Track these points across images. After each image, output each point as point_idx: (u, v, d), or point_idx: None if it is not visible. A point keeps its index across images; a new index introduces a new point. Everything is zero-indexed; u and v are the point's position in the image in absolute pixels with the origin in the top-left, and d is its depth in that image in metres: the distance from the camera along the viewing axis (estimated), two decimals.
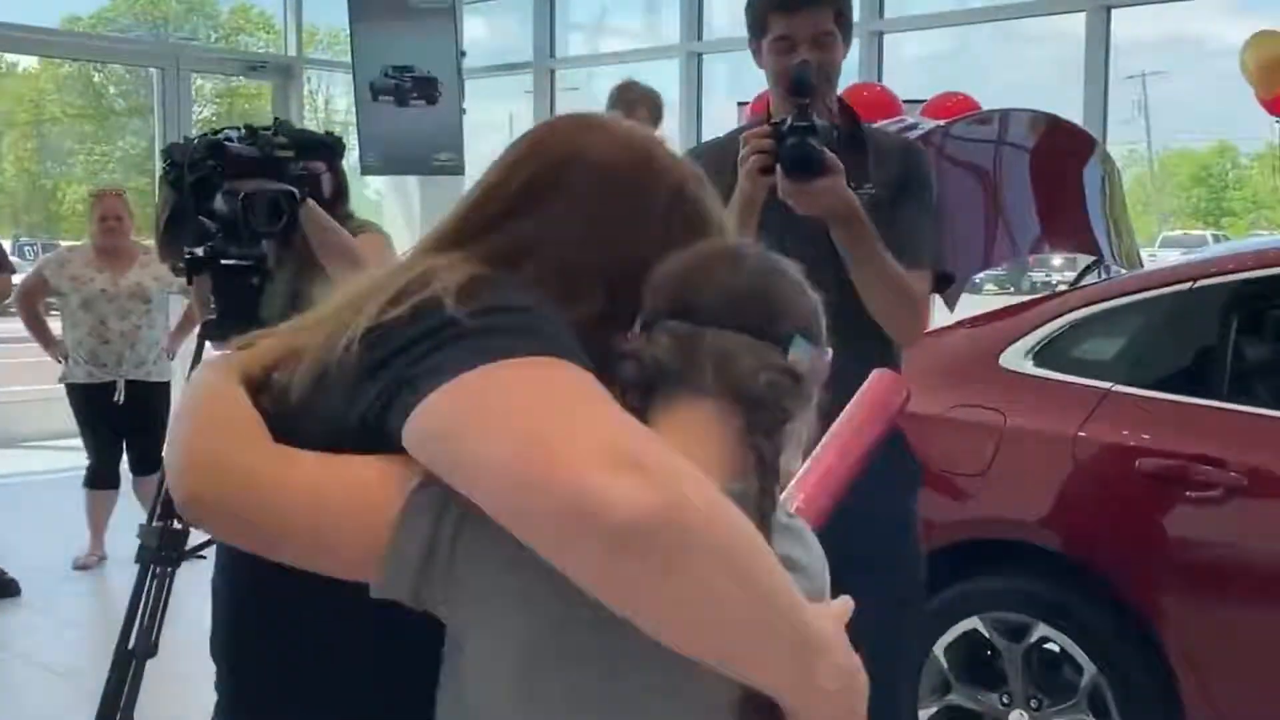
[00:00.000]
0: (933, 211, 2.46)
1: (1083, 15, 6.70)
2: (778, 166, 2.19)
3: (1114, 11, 6.68)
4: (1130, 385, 3.02)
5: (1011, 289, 20.44)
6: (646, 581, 0.88)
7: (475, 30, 10.19)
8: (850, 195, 2.22)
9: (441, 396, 0.94)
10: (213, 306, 2.91)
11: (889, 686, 2.54)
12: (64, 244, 7.45)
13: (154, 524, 2.80)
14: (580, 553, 0.88)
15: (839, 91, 2.51)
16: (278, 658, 1.12)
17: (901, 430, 2.50)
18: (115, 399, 5.53)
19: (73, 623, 5.09)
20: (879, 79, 7.07)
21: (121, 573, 5.15)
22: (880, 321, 2.33)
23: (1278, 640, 2.75)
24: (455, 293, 1.03)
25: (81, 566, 5.68)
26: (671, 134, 7.61)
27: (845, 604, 1.09)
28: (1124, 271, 4.17)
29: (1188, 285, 3.08)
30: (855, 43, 2.50)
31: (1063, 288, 4.89)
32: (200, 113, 20.18)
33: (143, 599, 2.75)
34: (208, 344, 2.98)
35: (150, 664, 2.74)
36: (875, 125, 2.91)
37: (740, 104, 6.75)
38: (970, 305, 3.83)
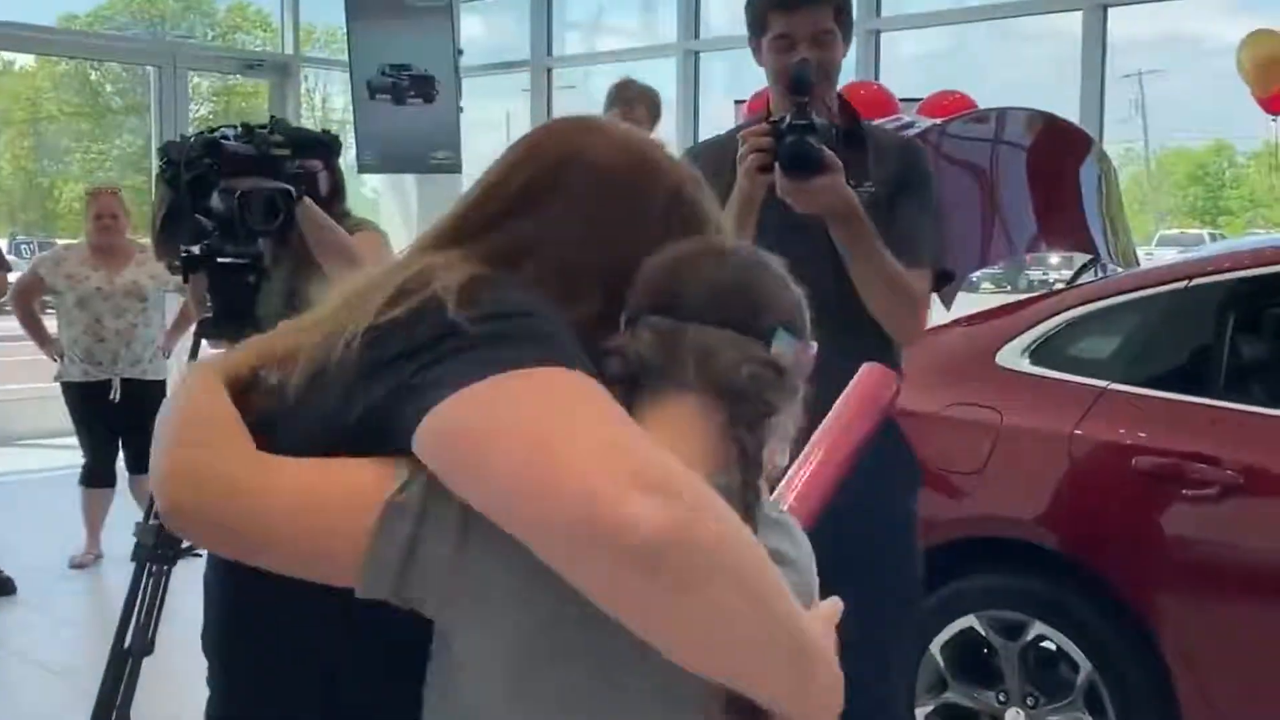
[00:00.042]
0: (933, 209, 2.45)
1: (1079, 14, 6.71)
2: (776, 165, 2.19)
3: (1110, 10, 6.68)
4: (1126, 383, 3.02)
5: (1008, 287, 20.46)
6: (660, 600, 0.88)
7: (472, 28, 10.19)
8: (849, 193, 2.22)
9: (451, 408, 0.94)
10: (209, 305, 2.90)
11: (887, 685, 2.55)
12: (61, 242, 7.43)
13: (150, 522, 2.80)
14: (595, 570, 0.89)
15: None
16: (268, 654, 1.12)
17: (901, 429, 2.50)
18: (111, 397, 5.52)
19: (69, 621, 5.09)
20: (876, 77, 7.07)
21: (118, 571, 5.15)
22: (880, 320, 2.33)
23: (1273, 637, 2.75)
24: (456, 293, 1.03)
25: (78, 565, 5.67)
26: (669, 133, 7.62)
27: (835, 605, 1.10)
28: (1120, 270, 4.17)
29: (1184, 284, 3.08)
30: (852, 41, 2.50)
31: (1059, 286, 4.89)
32: (197, 111, 20.16)
33: (139, 597, 2.75)
34: (204, 342, 2.98)
35: (146, 662, 2.74)
36: (874, 123, 2.91)
37: (738, 102, 6.74)
38: (967, 304, 3.84)
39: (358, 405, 1.02)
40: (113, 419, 5.55)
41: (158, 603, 2.75)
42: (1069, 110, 6.49)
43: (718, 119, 8.29)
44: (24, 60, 27.13)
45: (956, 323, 3.48)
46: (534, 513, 0.89)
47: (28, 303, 5.68)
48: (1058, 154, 4.55)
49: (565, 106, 9.77)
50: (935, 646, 3.11)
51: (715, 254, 1.13)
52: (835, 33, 2.37)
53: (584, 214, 1.15)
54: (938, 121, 4.53)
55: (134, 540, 2.79)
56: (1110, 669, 2.89)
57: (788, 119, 2.20)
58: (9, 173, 28.59)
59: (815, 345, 1.15)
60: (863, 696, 2.54)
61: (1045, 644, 3.04)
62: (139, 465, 5.54)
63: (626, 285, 1.13)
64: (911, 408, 2.58)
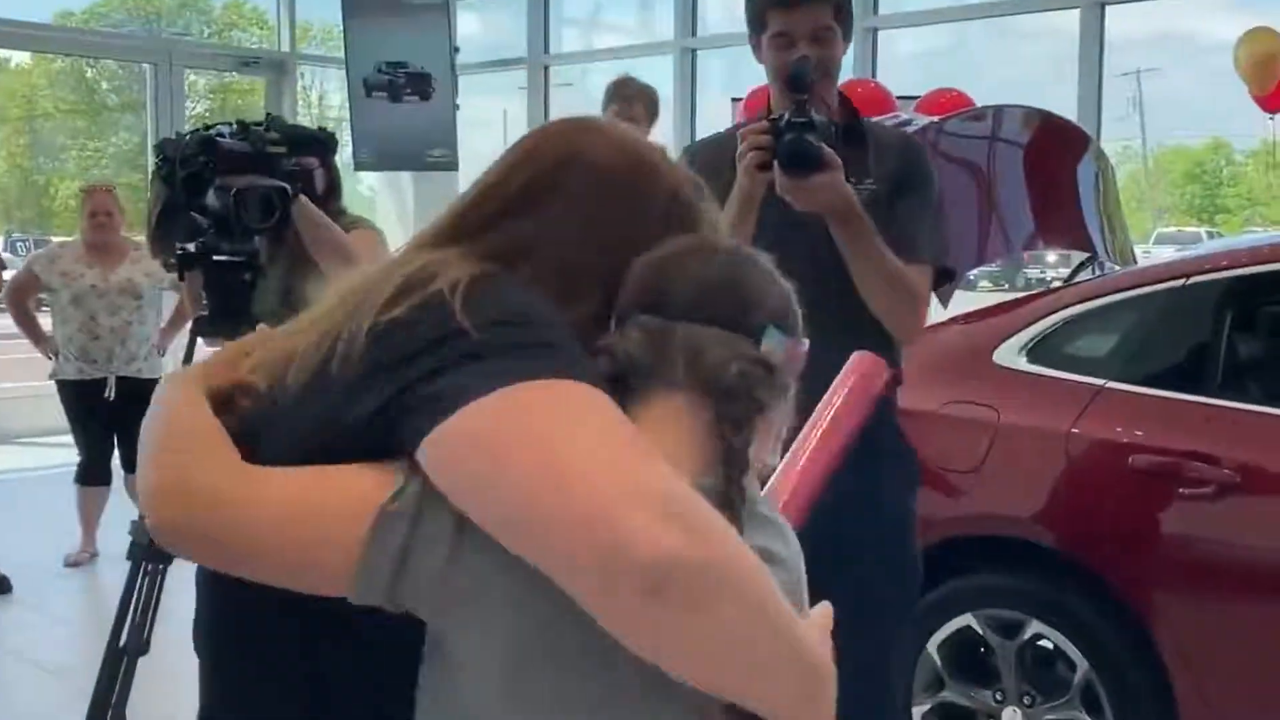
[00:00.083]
0: (933, 207, 2.45)
1: (1077, 12, 6.71)
2: (775, 162, 2.18)
3: (1108, 8, 6.68)
4: (1124, 382, 3.02)
5: (1006, 285, 20.46)
6: (669, 625, 0.89)
7: (469, 26, 10.19)
8: (848, 191, 2.21)
9: (460, 422, 0.94)
10: (204, 303, 2.89)
11: (885, 684, 2.55)
12: (56, 240, 7.42)
13: (145, 520, 2.79)
14: (605, 593, 0.89)
15: None
16: (258, 652, 1.11)
17: (901, 428, 2.50)
18: (106, 395, 5.51)
19: (64, 620, 5.08)
20: (873, 75, 7.07)
21: (113, 569, 5.14)
22: (880, 318, 2.32)
23: (1270, 636, 2.75)
24: (462, 295, 1.02)
25: (73, 563, 5.67)
26: (666, 130, 7.61)
27: (827, 611, 1.11)
28: (1118, 268, 4.17)
29: (1181, 282, 3.08)
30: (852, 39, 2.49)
31: (1057, 284, 4.89)
32: (193, 108, 20.13)
33: (134, 596, 2.74)
34: (199, 340, 2.97)
35: (142, 661, 2.73)
36: (875, 120, 2.90)
37: (734, 100, 6.74)
38: (964, 302, 3.83)
39: (360, 406, 1.01)
40: (108, 417, 5.54)
41: (153, 601, 2.74)
42: (1067, 108, 6.49)
43: (715, 117, 8.30)
44: (20, 57, 27.09)
45: (954, 321, 3.47)
46: (545, 539, 0.90)
47: (22, 300, 5.67)
48: (1055, 152, 4.55)
49: (562, 104, 9.76)
50: (932, 645, 3.10)
51: (704, 252, 1.13)
52: (835, 30, 2.36)
53: (583, 214, 1.15)
54: (935, 119, 4.53)
55: (129, 538, 2.78)
56: (1107, 668, 2.89)
57: (787, 116, 2.19)
58: (4, 170, 28.55)
59: (806, 342, 1.14)
60: (862, 695, 2.55)
61: (1042, 643, 3.03)
62: (134, 464, 5.52)
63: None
64: (909, 406, 2.58)
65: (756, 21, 2.41)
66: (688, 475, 0.98)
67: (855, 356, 1.61)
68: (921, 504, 2.55)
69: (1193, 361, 3.02)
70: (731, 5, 8.89)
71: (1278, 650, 2.74)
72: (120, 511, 4.69)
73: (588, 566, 0.88)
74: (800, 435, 1.41)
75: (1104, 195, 4.56)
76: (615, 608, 0.89)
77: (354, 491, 1.00)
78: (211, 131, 2.86)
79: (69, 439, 5.80)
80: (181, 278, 3.00)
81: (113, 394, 5.51)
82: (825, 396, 1.49)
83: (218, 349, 1.25)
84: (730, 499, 1.01)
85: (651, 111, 4.98)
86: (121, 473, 5.64)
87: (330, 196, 3.23)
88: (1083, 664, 2.92)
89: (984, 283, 19.59)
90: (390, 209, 9.66)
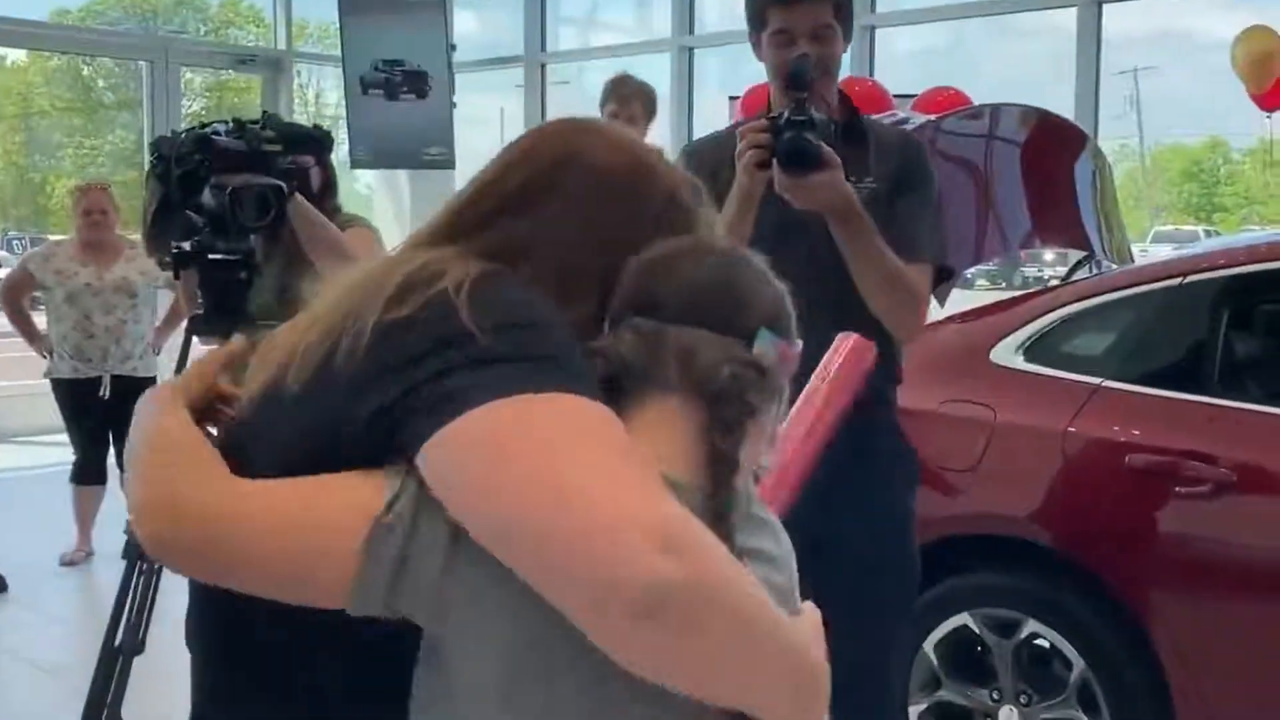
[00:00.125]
0: (933, 205, 2.44)
1: (1074, 10, 6.71)
2: (774, 161, 2.18)
3: (1105, 6, 6.68)
4: (1120, 381, 3.02)
5: (1003, 284, 20.48)
6: (661, 644, 0.89)
7: (465, 24, 10.18)
8: (848, 190, 2.21)
9: (461, 429, 0.94)
10: (200, 301, 2.89)
11: (885, 684, 2.55)
12: (52, 238, 7.41)
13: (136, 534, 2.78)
14: (595, 612, 0.89)
15: None
16: (248, 650, 1.11)
17: (901, 427, 2.50)
18: (101, 394, 5.50)
19: (60, 619, 5.07)
20: (871, 74, 7.06)
21: (109, 569, 5.13)
22: (879, 317, 2.32)
23: (1267, 635, 2.75)
24: (467, 295, 1.02)
25: (69, 562, 5.65)
26: (663, 129, 7.61)
27: (815, 613, 1.12)
28: (1115, 266, 4.17)
29: (1178, 281, 3.07)
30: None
31: (1054, 282, 4.89)
32: (190, 106, 20.13)
33: (130, 595, 2.73)
34: (195, 339, 2.96)
35: (137, 661, 2.73)
36: (875, 118, 2.90)
37: (732, 98, 6.74)
38: (962, 300, 3.83)
39: (364, 406, 1.00)
40: (103, 416, 5.53)
41: (149, 601, 2.73)
42: (1064, 106, 6.49)
43: (712, 115, 8.30)
44: (15, 55, 27.06)
45: (951, 320, 3.47)
46: (539, 552, 0.90)
47: (16, 299, 5.66)
48: (1052, 150, 4.55)
49: (559, 102, 9.75)
50: (929, 644, 3.10)
51: (697, 253, 1.13)
52: (835, 28, 2.36)
53: (581, 215, 1.15)
54: (932, 118, 4.52)
55: (125, 538, 2.78)
56: (1104, 667, 2.89)
57: (786, 114, 2.19)
58: (0, 168, 28.52)
59: (800, 345, 1.14)
60: (862, 695, 2.55)
61: (1039, 642, 3.03)
62: None
63: None
64: (906, 405, 2.58)
65: (756, 19, 2.41)
66: (680, 477, 0.99)
67: (841, 336, 1.60)
68: (918, 503, 2.55)
69: (1190, 360, 3.02)
70: (729, 3, 8.89)
71: (1274, 649, 2.74)
72: (116, 511, 4.67)
73: (580, 584, 0.89)
74: (791, 413, 1.41)
75: (1101, 194, 4.56)
76: (605, 626, 0.90)
77: (346, 503, 1.00)
78: (207, 130, 2.85)
79: (65, 438, 5.79)
80: (177, 276, 2.99)
81: (108, 392, 5.50)
82: (814, 374, 1.49)
83: (197, 359, 1.25)
84: (719, 501, 1.01)
85: (649, 110, 4.97)
86: (117, 471, 5.63)
87: (326, 195, 3.23)
88: (1079, 663, 2.92)
89: (981, 281, 19.61)
90: (387, 207, 9.66)
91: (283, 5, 9.86)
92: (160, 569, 2.74)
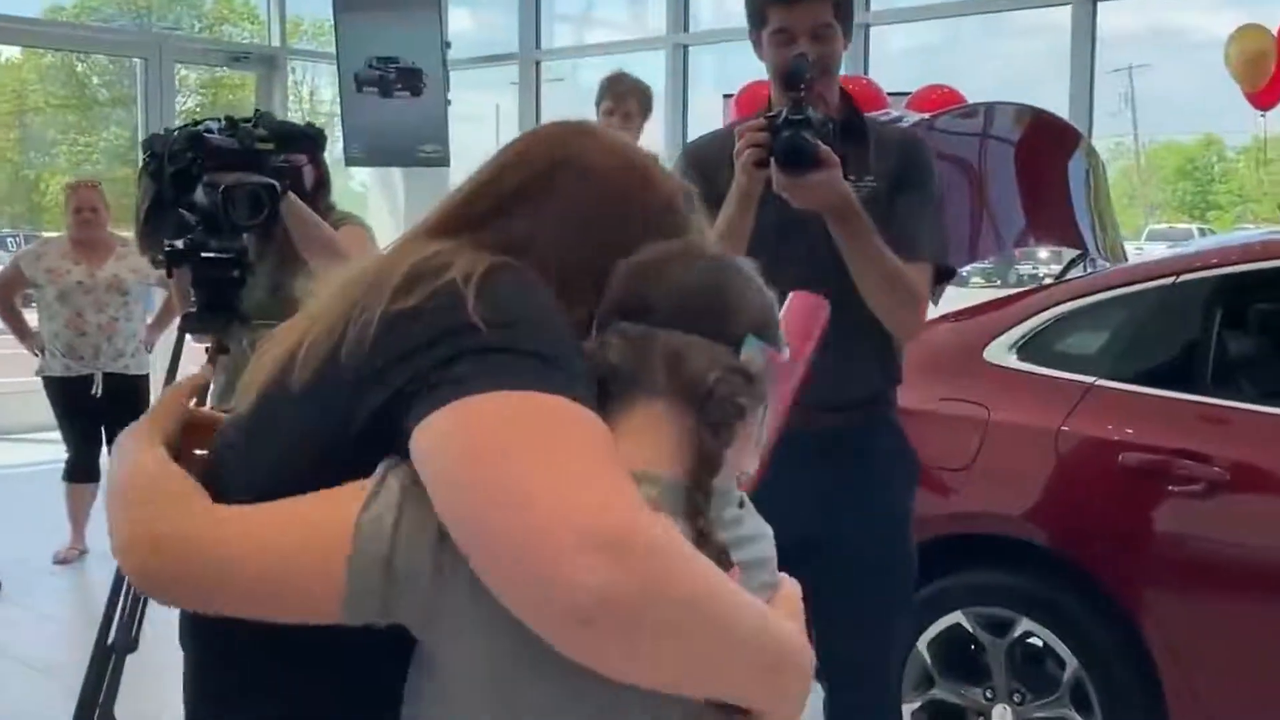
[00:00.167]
0: (934, 204, 2.44)
1: (1069, 8, 6.71)
2: (772, 160, 2.17)
3: (1100, 4, 6.68)
4: (1114, 379, 3.02)
5: (998, 282, 20.49)
6: (608, 648, 0.90)
7: (460, 21, 10.17)
8: (846, 189, 2.21)
9: (448, 413, 0.94)
10: (193, 299, 2.89)
11: (884, 683, 2.55)
12: (47, 235, 7.40)
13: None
14: (536, 617, 0.90)
15: None
16: (240, 652, 1.11)
17: (901, 428, 2.50)
18: (93, 392, 5.49)
19: (53, 617, 5.07)
20: (865, 72, 7.06)
21: (102, 567, 5.13)
22: (879, 316, 2.31)
23: (1260, 634, 2.75)
24: (475, 287, 1.02)
25: (62, 560, 5.65)
26: (657, 126, 7.60)
27: (794, 588, 1.12)
28: (1108, 265, 4.17)
29: (1171, 279, 3.08)
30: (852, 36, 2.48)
31: (1048, 280, 4.89)
32: (184, 103, 20.10)
33: (123, 593, 2.73)
34: (188, 337, 2.96)
35: (130, 659, 2.72)
36: (877, 117, 2.89)
37: (726, 96, 6.73)
38: (957, 297, 3.83)
39: (374, 397, 1.00)
40: (95, 414, 5.53)
41: (142, 599, 2.73)
42: (1058, 104, 6.49)
43: (707, 113, 8.28)
44: (10, 52, 27.01)
45: (945, 318, 3.47)
46: (486, 551, 0.91)
47: (8, 297, 5.65)
48: (1046, 149, 4.55)
49: (554, 100, 9.75)
50: (922, 643, 3.10)
51: (685, 258, 1.13)
52: (835, 27, 2.35)
53: (577, 217, 1.15)
54: (926, 116, 4.52)
55: None
56: (1097, 665, 2.89)
57: (783, 113, 2.18)
58: None
59: (787, 351, 1.14)
60: (862, 694, 2.55)
61: (1032, 640, 3.03)
62: None
63: None
64: (899, 404, 2.57)
65: (757, 17, 2.40)
66: (662, 474, 1.00)
67: (794, 296, 1.60)
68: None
69: (1183, 359, 3.02)
70: (723, 1, 8.89)
71: (1267, 647, 2.74)
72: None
73: (520, 588, 0.89)
74: None
75: (1094, 192, 4.56)
76: (547, 630, 0.90)
77: (325, 516, 0.99)
78: (200, 128, 2.85)
79: (58, 435, 5.78)
80: (170, 274, 2.99)
81: (100, 390, 5.50)
82: None
83: (164, 394, 1.25)
84: (697, 503, 1.02)
85: (645, 107, 4.96)
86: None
87: (319, 193, 3.22)
88: (1072, 661, 2.92)
89: (976, 279, 19.63)
90: (382, 204, 9.65)
91: (277, 2, 9.84)
92: None
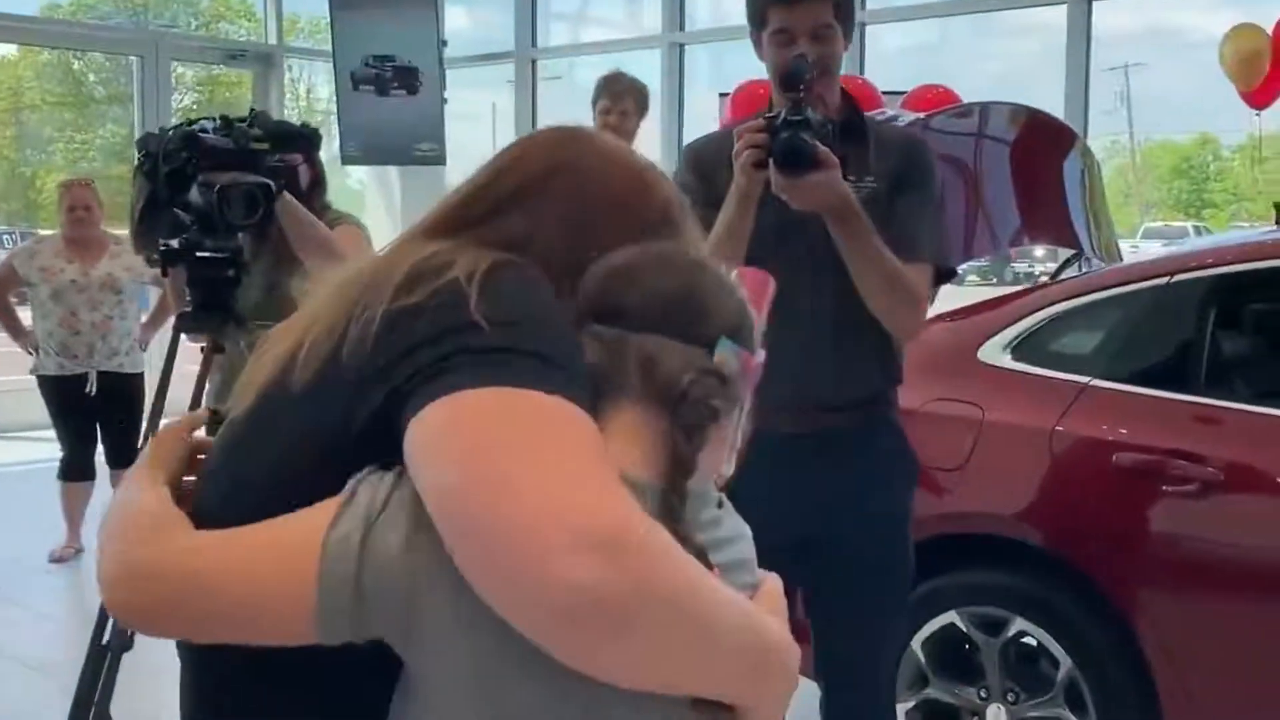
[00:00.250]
0: (934, 204, 2.44)
1: (1064, 7, 6.71)
2: (771, 161, 2.17)
3: (1095, 3, 6.69)
4: (1108, 380, 3.02)
5: (994, 280, 20.51)
6: (590, 647, 0.90)
7: (456, 20, 10.16)
8: (845, 189, 2.21)
9: (443, 405, 0.94)
10: (188, 299, 2.89)
11: (878, 683, 2.55)
12: (43, 232, 7.39)
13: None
14: (516, 613, 0.90)
15: None
16: (228, 672, 1.10)
17: (901, 428, 2.50)
18: (87, 391, 5.49)
19: (49, 616, 5.07)
20: (861, 71, 7.06)
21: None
22: (878, 316, 2.32)
23: (1254, 634, 2.75)
24: (478, 285, 1.02)
25: (57, 559, 5.64)
26: (653, 125, 7.60)
27: (775, 585, 1.12)
28: (1103, 264, 4.18)
29: (1165, 280, 3.08)
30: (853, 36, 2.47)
31: (1044, 278, 4.90)
32: (181, 101, 20.05)
33: None
34: (183, 336, 2.96)
35: (126, 658, 2.72)
36: (878, 118, 2.89)
37: (722, 95, 6.73)
38: (952, 296, 3.83)
39: (376, 394, 1.00)
40: (90, 412, 5.52)
41: None
42: (1054, 103, 6.50)
43: (702, 111, 8.28)
44: (5, 50, 26.95)
45: (940, 318, 3.46)
46: (469, 544, 0.90)
47: (2, 295, 5.65)
48: (1041, 149, 4.55)
49: (550, 98, 9.74)
50: (916, 643, 3.10)
51: (658, 261, 1.12)
52: (835, 28, 2.35)
53: (576, 218, 1.15)
54: (921, 115, 4.53)
55: None
56: (1091, 665, 2.90)
57: (782, 114, 2.18)
58: None
59: (762, 354, 1.14)
60: (857, 694, 2.56)
61: (1026, 640, 3.04)
62: (118, 459, 5.51)
63: None
64: None
65: (757, 17, 2.40)
66: (640, 477, 1.00)
67: (739, 272, 1.61)
68: None
69: (1177, 359, 3.02)
70: (719, 0, 8.89)
71: (1261, 647, 2.74)
72: (105, 506, 4.66)
73: (509, 585, 0.89)
74: None
75: (1089, 191, 4.57)
76: (535, 629, 0.90)
77: (297, 536, 0.99)
78: (194, 127, 2.85)
79: (54, 434, 5.77)
80: (165, 274, 2.99)
81: (94, 389, 5.49)
82: None
83: (162, 432, 1.25)
84: (671, 504, 1.02)
85: (641, 106, 4.97)
86: (106, 468, 5.62)
87: (314, 192, 3.22)
88: (1066, 661, 2.92)
89: (972, 276, 19.64)
90: (379, 203, 9.65)
91: (273, 0, 9.84)
92: None
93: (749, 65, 2.50)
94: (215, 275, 2.80)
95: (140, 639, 2.72)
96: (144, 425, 3.08)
